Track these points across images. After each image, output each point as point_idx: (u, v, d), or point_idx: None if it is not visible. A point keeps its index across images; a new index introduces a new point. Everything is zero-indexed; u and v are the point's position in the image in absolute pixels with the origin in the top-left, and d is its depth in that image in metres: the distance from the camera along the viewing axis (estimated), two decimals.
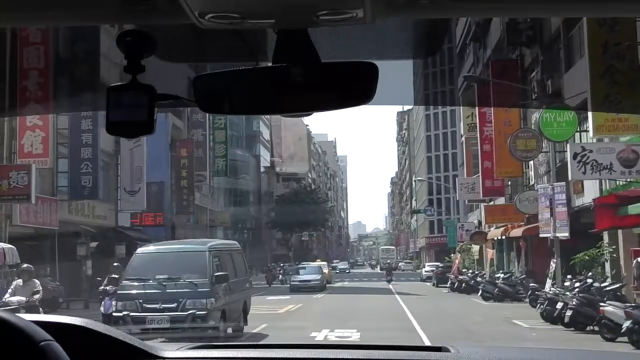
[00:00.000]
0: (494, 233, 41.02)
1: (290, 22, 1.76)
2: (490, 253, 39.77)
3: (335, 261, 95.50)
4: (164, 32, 1.94)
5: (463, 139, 48.47)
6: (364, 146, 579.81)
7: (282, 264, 62.15)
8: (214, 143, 62.77)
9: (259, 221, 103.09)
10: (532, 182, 33.84)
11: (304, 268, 47.31)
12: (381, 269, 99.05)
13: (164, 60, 2.14)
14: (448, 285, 42.16)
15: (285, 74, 1.86)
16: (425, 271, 57.33)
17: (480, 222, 52.08)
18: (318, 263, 54.12)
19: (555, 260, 26.42)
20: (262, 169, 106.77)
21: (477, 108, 40.85)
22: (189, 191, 51.36)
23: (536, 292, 26.79)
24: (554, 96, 29.49)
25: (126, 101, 1.90)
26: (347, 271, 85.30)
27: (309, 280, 43.44)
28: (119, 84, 1.92)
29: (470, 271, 41.43)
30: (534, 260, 34.17)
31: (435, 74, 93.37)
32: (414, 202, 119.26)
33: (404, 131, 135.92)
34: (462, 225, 53.23)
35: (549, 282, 26.56)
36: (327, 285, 47.89)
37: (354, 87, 1.88)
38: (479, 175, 44.20)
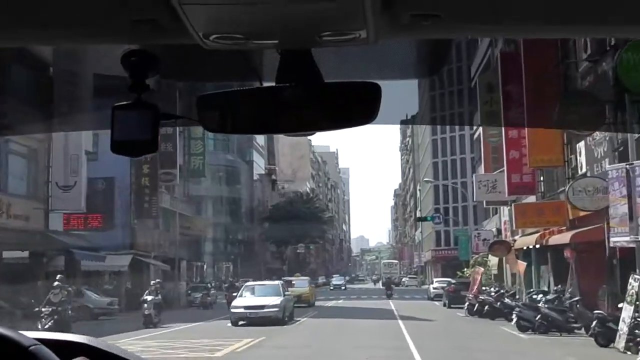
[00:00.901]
0: (524, 242, 31.76)
1: (293, 43, 1.76)
2: (519, 267, 30.13)
3: (335, 276, 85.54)
4: (168, 52, 1.93)
5: (480, 130, 39.28)
6: (366, 159, 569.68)
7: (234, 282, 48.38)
8: (189, 139, 53.93)
9: (252, 232, 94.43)
10: (583, 170, 24.56)
11: (252, 289, 31.97)
12: (383, 284, 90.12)
13: (168, 80, 2.17)
14: (465, 307, 32.81)
15: (288, 94, 1.84)
16: (434, 288, 47.99)
17: (499, 230, 42.90)
18: (294, 278, 45.25)
19: (638, 277, 17.21)
20: (255, 177, 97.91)
21: (500, 85, 31.54)
22: (151, 191, 42.17)
23: (607, 324, 17.74)
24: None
25: (130, 120, 1.88)
26: (343, 287, 74.72)
27: (261, 307, 28.42)
28: (124, 103, 1.89)
29: (493, 290, 32.11)
30: (582, 276, 24.86)
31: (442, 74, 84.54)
32: (418, 213, 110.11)
33: (407, 138, 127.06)
34: (479, 234, 43.91)
35: (627, 307, 17.36)
36: (313, 305, 39.60)
37: (356, 107, 1.87)
38: (502, 171, 35.09)
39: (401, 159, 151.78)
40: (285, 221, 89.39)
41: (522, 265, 28.48)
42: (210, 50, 1.72)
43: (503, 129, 32.86)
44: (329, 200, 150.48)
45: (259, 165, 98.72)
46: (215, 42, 1.68)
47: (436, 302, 44.15)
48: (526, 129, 29.98)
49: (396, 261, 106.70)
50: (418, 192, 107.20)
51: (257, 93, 1.95)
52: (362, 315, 32.11)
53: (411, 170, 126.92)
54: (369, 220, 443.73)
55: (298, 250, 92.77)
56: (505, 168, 32.56)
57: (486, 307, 29.40)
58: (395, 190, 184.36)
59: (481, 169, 39.54)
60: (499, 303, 28.61)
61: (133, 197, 41.63)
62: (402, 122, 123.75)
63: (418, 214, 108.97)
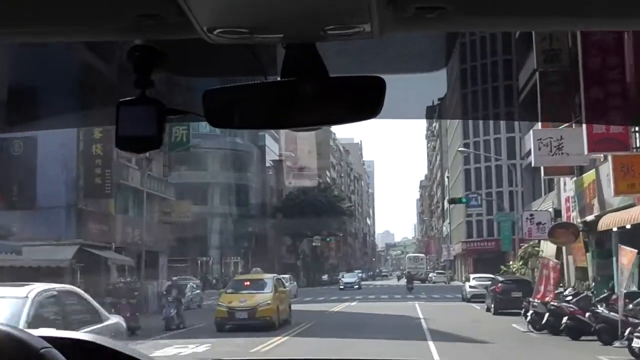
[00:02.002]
0: (618, 218, 20.79)
1: (298, 37, 1.74)
2: (627, 257, 18.69)
3: (343, 273, 73.36)
4: (173, 46, 1.91)
5: (537, 75, 28.43)
6: (391, 152, 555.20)
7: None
8: None
9: (264, 224, 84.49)
10: None
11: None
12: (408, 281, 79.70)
13: (173, 75, 2.17)
14: (527, 317, 21.85)
15: (293, 89, 1.82)
16: (471, 287, 37.25)
17: (557, 212, 32.11)
18: (247, 276, 30.64)
19: None
20: (268, 163, 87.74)
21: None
22: (104, 163, 31.74)
23: None
24: None
25: (135, 116, 1.87)
26: (356, 286, 58.86)
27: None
28: (129, 98, 1.87)
29: (570, 291, 21.32)
30: None
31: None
32: (445, 203, 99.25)
33: (434, 123, 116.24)
34: (531, 216, 32.90)
35: None
36: (285, 324, 24.98)
37: (361, 101, 1.83)
38: (571, 125, 24.44)
39: (427, 147, 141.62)
40: (299, 211, 79.35)
41: (630, 254, 17.57)
42: (214, 44, 1.70)
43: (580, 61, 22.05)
44: (352, 192, 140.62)
45: (272, 150, 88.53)
46: (220, 36, 1.65)
47: (475, 305, 33.50)
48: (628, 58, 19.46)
49: (422, 255, 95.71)
50: (446, 179, 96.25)
51: (262, 88, 1.87)
52: (375, 331, 21.37)
53: (438, 158, 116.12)
54: (395, 215, 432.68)
55: (314, 244, 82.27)
56: (582, 116, 21.77)
57: (565, 321, 18.53)
58: (420, 182, 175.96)
59: (538, 124, 28.65)
60: (587, 314, 17.81)
61: (81, 170, 31.35)
62: (428, 116, 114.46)
63: (446, 205, 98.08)
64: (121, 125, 1.85)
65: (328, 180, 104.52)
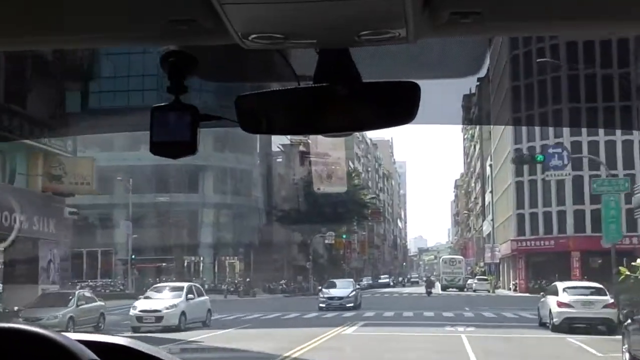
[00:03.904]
0: None
1: (332, 42, 1.70)
2: None
3: (337, 281, 46.01)
4: (206, 52, 1.88)
5: None
6: (424, 154, 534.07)
7: None
8: None
9: (269, 217, 68.85)
10: None
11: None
12: (443, 288, 62.75)
13: (206, 81, 2.11)
14: None
15: (327, 94, 1.77)
16: (562, 304, 20.37)
17: None
18: None
19: None
20: (276, 147, 71.78)
21: None
22: None
23: None
24: None
25: (169, 121, 1.83)
26: (350, 304, 35.03)
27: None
28: (163, 104, 1.85)
29: None
30: None
31: None
32: (487, 196, 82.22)
33: (473, 108, 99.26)
34: None
35: None
36: None
37: (396, 106, 1.78)
38: None
39: (463, 139, 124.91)
40: (309, 202, 63.43)
41: None
42: (248, 50, 1.67)
43: None
44: (380, 190, 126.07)
45: None
46: (254, 41, 1.63)
47: (573, 340, 16.80)
48: None
49: (460, 257, 78.54)
50: (488, 168, 79.17)
51: (296, 93, 1.84)
52: None
53: (477, 147, 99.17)
54: (428, 221, 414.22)
55: (327, 241, 65.71)
56: None
57: None
58: (455, 181, 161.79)
59: None
60: None
61: None
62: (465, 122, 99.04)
63: (486, 200, 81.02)
64: (155, 131, 1.80)
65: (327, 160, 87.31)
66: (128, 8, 1.57)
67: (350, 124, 1.82)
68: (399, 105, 1.75)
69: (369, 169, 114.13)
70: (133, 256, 54.55)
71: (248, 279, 59.45)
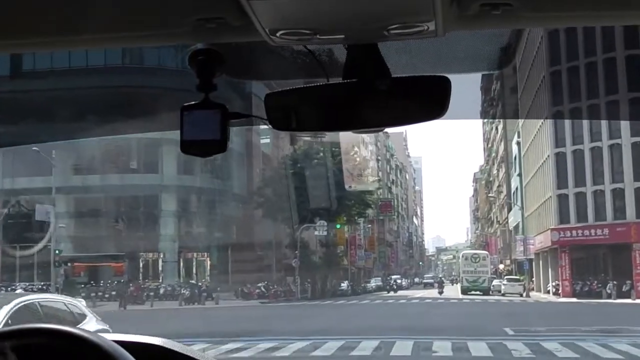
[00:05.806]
0: None
1: (360, 37, 1.66)
2: None
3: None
4: (234, 50, 1.85)
5: None
6: (441, 149, 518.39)
7: None
8: None
9: (248, 206, 55.65)
10: None
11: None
12: (464, 291, 49.14)
13: (235, 79, 2.09)
14: None
15: (356, 90, 1.74)
16: None
17: None
18: None
19: None
20: (264, 125, 56.25)
21: None
22: None
23: None
24: None
25: (199, 120, 1.80)
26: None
27: None
28: (192, 103, 1.81)
29: None
30: None
31: None
32: (513, 182, 68.20)
33: (494, 86, 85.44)
34: None
35: None
36: None
37: (426, 101, 1.74)
38: None
39: (483, 124, 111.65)
40: (295, 184, 50.43)
41: None
42: (276, 47, 1.65)
43: None
44: (392, 182, 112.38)
45: (261, 98, 57.11)
46: (282, 38, 1.59)
47: None
48: None
49: (485, 252, 64.63)
50: (515, 147, 65.12)
51: (325, 89, 1.79)
52: None
53: (499, 129, 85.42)
54: (446, 221, 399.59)
55: (317, 232, 52.03)
56: None
57: None
58: (474, 175, 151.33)
59: None
60: None
61: None
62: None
63: (515, 183, 67.20)
64: (185, 130, 1.77)
65: (357, 158, 73.47)
66: (157, 8, 1.56)
67: (382, 120, 1.77)
68: (430, 100, 1.70)
69: (379, 157, 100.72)
70: (57, 251, 41.27)
71: (204, 280, 45.93)
